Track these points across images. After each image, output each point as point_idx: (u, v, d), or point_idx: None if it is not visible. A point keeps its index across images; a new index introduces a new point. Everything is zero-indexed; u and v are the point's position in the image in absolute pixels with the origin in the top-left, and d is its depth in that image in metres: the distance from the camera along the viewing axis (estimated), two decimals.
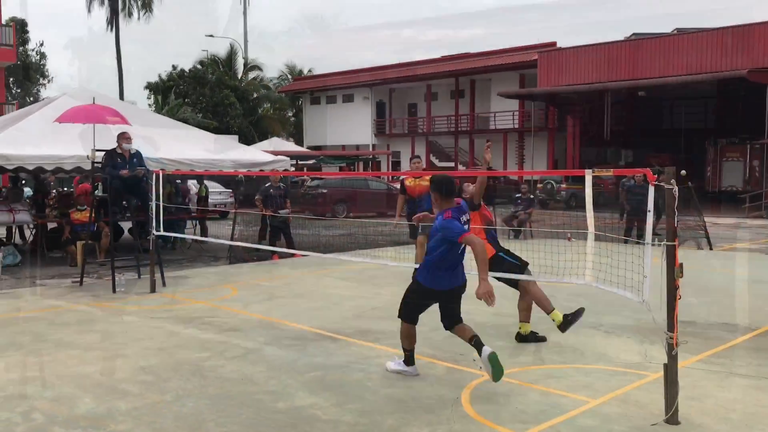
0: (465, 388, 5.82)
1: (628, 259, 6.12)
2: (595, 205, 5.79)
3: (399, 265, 10.07)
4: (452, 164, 46.93)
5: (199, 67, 56.04)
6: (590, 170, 5.64)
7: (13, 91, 48.87)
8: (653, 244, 5.10)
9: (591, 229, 5.65)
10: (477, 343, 5.80)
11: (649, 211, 5.14)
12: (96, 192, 11.80)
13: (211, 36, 57.90)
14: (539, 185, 33.68)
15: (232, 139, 24.27)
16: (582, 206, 5.98)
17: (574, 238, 15.06)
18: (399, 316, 6.11)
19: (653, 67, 33.80)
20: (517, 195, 18.96)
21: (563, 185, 32.22)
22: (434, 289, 5.84)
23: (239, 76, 58.59)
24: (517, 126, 43.84)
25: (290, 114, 64.78)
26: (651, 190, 5.05)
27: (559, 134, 40.83)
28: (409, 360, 6.20)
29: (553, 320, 6.96)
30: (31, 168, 12.58)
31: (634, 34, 39.42)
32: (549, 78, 37.87)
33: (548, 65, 38.02)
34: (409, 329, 6.11)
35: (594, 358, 6.75)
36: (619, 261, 6.17)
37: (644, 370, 6.30)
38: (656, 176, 5.01)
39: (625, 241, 7.91)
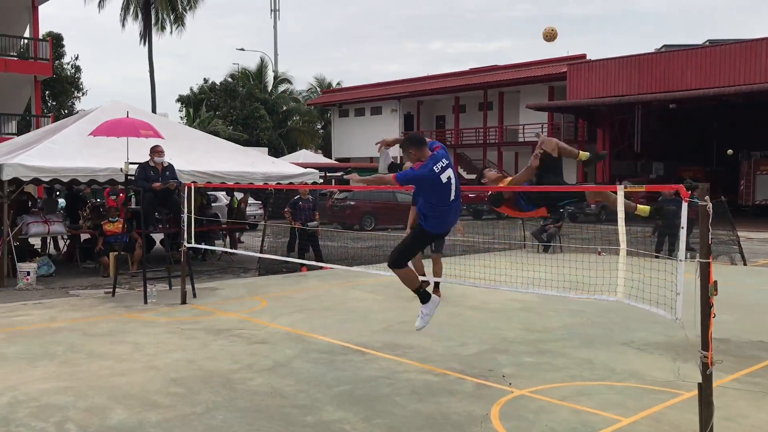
0: (494, 405, 5.77)
1: (660, 276, 6.04)
2: (626, 219, 5.71)
3: (428, 278, 10.04)
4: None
5: (229, 80, 56.63)
6: (622, 185, 5.58)
7: (49, 104, 49.72)
8: (686, 260, 5.01)
9: (623, 244, 5.57)
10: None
11: (683, 227, 5.06)
12: (128, 204, 11.94)
13: (242, 49, 58.49)
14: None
15: (261, 152, 24.45)
16: (612, 219, 5.91)
17: (604, 252, 14.91)
18: (393, 266, 6.18)
19: (684, 79, 33.42)
20: None
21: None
22: (431, 232, 6.12)
23: (269, 89, 59.08)
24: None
25: (319, 126, 65.15)
26: (684, 206, 4.97)
27: (589, 147, 40.54)
28: (424, 297, 6.32)
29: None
30: (65, 180, 12.75)
31: (664, 46, 39.12)
32: (578, 90, 37.63)
33: (578, 77, 37.78)
34: (407, 271, 6.26)
35: (625, 375, 6.65)
36: (651, 277, 6.09)
37: (677, 388, 6.19)
38: (689, 192, 4.93)
39: (656, 257, 7.81)
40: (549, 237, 17.50)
